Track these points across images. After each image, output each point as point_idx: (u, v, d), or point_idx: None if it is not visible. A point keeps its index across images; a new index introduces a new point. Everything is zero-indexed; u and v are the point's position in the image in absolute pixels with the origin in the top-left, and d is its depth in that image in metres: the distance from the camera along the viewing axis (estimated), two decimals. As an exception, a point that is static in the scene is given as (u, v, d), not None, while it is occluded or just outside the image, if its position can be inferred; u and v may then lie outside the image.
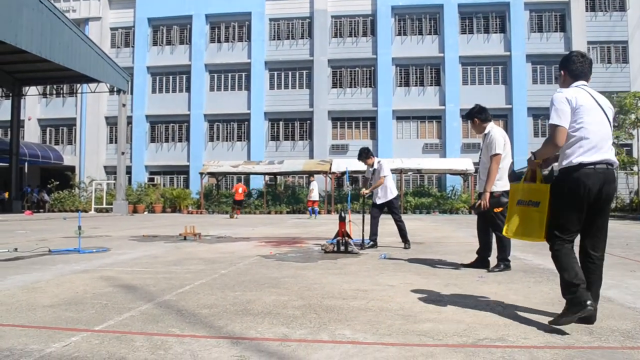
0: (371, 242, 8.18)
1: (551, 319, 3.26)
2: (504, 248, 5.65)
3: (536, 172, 3.52)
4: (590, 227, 3.35)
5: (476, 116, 6.01)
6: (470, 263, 6.06)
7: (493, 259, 5.86)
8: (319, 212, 24.33)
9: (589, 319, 3.22)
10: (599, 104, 3.34)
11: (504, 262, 5.68)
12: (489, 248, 5.98)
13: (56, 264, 6.29)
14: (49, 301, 4.03)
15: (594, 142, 3.24)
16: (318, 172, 29.05)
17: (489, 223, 5.87)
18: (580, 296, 3.09)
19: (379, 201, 8.29)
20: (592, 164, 3.22)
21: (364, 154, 8.57)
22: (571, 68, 3.52)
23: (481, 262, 5.95)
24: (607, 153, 3.27)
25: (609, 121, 3.36)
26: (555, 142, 3.27)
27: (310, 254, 7.48)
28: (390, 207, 8.33)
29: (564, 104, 3.28)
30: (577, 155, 3.24)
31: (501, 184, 5.66)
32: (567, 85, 3.49)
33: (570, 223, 3.29)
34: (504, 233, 3.69)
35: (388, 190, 8.27)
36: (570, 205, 3.27)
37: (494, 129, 5.85)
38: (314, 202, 22.84)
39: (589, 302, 3.06)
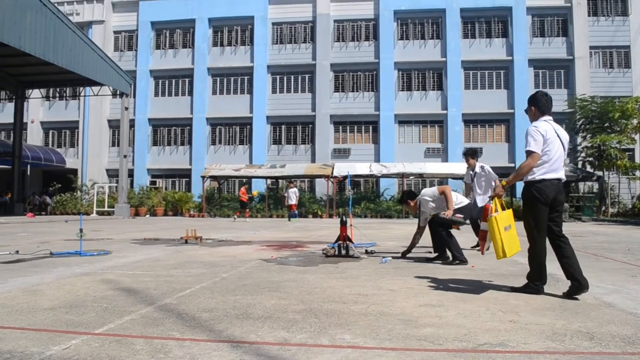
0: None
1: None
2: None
3: (498, 201, 4.72)
4: (554, 221, 4.54)
5: (407, 199, 7.44)
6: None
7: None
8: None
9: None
10: (558, 135, 4.56)
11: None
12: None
13: (57, 266, 6.30)
14: (49, 304, 4.04)
15: (553, 165, 4.48)
16: (320, 176, 29.07)
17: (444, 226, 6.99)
18: (538, 287, 4.53)
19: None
20: (549, 180, 4.46)
21: (471, 153, 8.76)
22: (539, 105, 4.68)
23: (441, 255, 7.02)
24: (560, 173, 4.53)
25: (564, 147, 4.59)
26: (532, 165, 4.42)
27: (311, 258, 7.48)
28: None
29: (539, 136, 4.43)
30: (541, 173, 4.46)
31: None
32: (537, 118, 4.65)
33: (542, 218, 4.49)
34: (502, 257, 4.56)
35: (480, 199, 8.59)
36: (539, 205, 4.46)
37: (423, 193, 7.26)
38: (292, 206, 24.18)
39: (541, 291, 4.53)
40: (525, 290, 4.55)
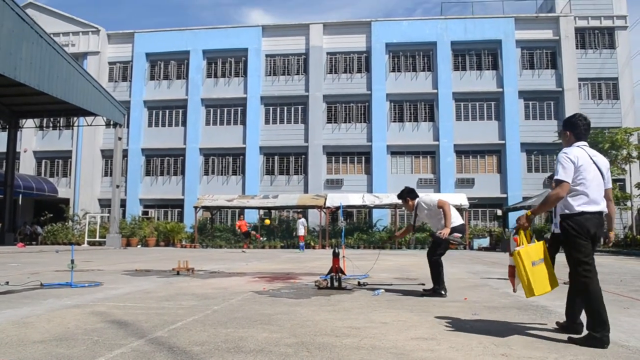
0: None
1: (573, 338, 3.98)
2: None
3: (525, 231, 4.22)
4: None
5: (407, 196, 7.35)
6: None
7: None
8: (305, 247, 26.14)
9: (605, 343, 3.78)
10: (594, 162, 4.07)
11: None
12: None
13: (48, 298, 6.24)
14: (39, 336, 4.00)
15: (592, 196, 3.98)
16: (312, 207, 29.05)
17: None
18: (602, 337, 3.74)
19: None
20: (590, 212, 3.96)
21: (551, 177, 8.94)
22: (576, 131, 4.21)
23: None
24: (601, 205, 4.02)
25: (602, 175, 4.08)
26: (561, 195, 3.94)
27: (303, 290, 7.45)
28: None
29: (569, 163, 3.98)
30: (579, 205, 3.98)
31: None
32: (571, 144, 4.20)
33: (587, 251, 3.94)
34: (530, 295, 4.06)
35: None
36: (581, 238, 3.95)
37: (422, 198, 7.27)
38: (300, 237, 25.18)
39: (606, 342, 3.74)
40: (587, 342, 3.80)
